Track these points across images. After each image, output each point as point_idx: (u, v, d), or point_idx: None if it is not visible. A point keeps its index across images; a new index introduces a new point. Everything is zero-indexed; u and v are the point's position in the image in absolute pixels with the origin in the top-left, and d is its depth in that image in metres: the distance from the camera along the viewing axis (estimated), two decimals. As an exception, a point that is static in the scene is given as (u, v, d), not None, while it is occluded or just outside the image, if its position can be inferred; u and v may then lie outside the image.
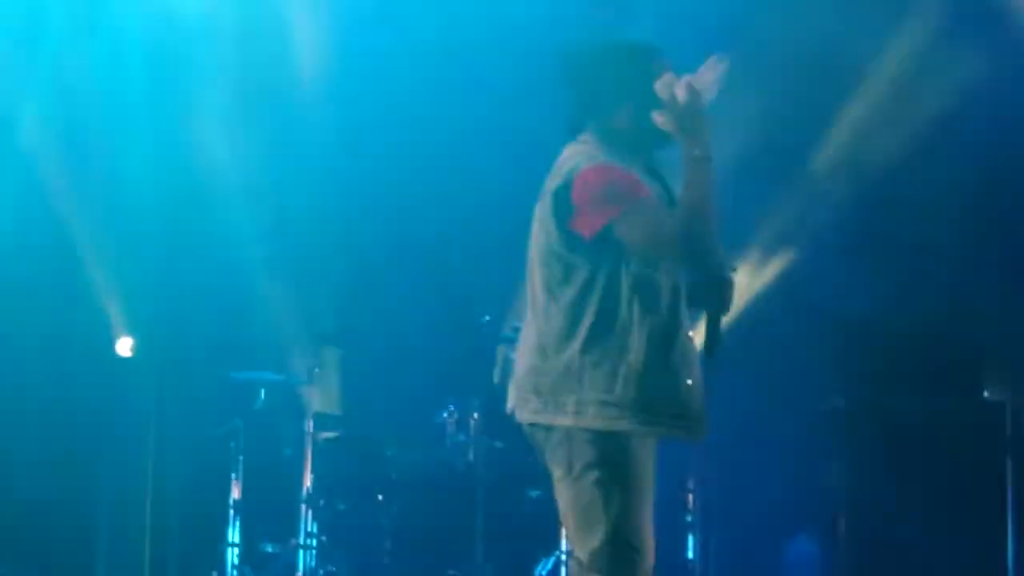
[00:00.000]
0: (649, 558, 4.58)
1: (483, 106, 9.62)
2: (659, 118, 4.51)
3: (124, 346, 9.21)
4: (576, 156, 4.60)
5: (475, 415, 8.59)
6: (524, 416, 4.66)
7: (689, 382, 4.58)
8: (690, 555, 8.82)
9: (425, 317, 10.27)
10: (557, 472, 4.64)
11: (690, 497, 8.84)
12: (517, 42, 9.30)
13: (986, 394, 8.85)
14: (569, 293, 4.55)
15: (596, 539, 4.53)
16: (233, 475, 8.98)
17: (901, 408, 8.85)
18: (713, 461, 9.15)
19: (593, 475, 4.53)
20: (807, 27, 9.39)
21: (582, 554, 4.58)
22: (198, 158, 9.89)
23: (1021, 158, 9.51)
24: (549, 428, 4.62)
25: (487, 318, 8.80)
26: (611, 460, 4.53)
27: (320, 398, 9.25)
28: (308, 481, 8.79)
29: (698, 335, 4.73)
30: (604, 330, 4.51)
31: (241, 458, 8.99)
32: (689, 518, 8.83)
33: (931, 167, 9.95)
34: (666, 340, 4.55)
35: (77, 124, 9.76)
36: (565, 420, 4.54)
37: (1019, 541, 8.67)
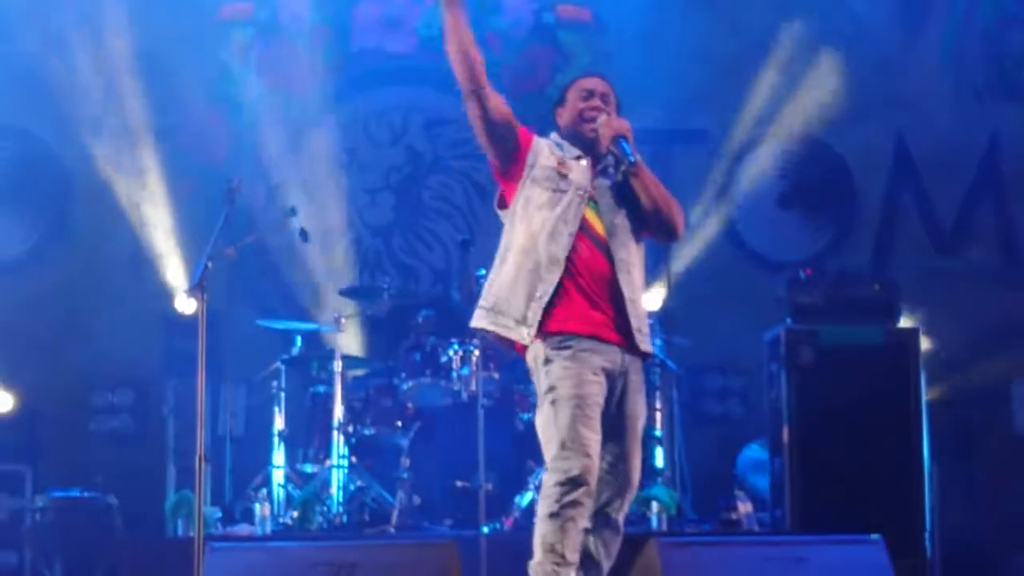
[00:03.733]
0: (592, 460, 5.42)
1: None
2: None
3: (181, 303, 9.93)
4: None
5: (475, 353, 9.02)
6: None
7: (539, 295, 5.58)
8: (658, 464, 9.62)
9: (430, 273, 11.33)
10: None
11: (658, 415, 9.65)
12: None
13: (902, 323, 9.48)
14: None
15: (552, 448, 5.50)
16: (276, 408, 9.65)
17: (833, 335, 9.29)
18: (680, 384, 10.17)
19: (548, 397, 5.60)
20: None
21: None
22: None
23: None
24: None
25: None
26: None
27: (346, 343, 9.83)
28: (339, 412, 9.30)
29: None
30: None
31: (282, 394, 9.66)
32: (658, 433, 9.66)
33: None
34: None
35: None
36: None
37: (931, 440, 9.31)
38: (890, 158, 11.60)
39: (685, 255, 11.08)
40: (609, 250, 5.75)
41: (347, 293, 10.11)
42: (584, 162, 5.86)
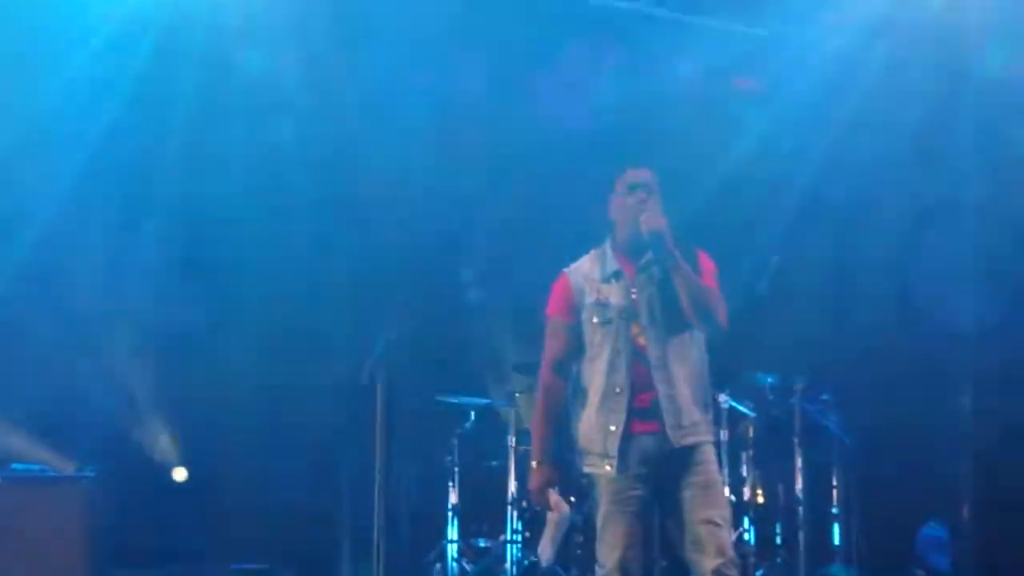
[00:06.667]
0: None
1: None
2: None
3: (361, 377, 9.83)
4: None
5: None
6: None
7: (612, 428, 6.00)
8: (836, 541, 9.57)
9: None
10: None
11: (834, 492, 9.63)
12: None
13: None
14: None
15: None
16: (451, 483, 9.75)
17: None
18: (854, 461, 9.95)
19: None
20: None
21: None
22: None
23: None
24: None
25: None
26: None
27: (520, 418, 9.77)
28: (512, 487, 9.40)
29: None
30: None
31: (457, 469, 9.76)
32: (834, 509, 9.62)
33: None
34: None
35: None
36: None
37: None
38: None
39: (862, 330, 10.86)
40: (645, 351, 6.12)
41: (521, 368, 10.08)
42: (621, 281, 6.23)
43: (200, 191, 10.53)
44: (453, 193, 11.13)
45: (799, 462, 9.31)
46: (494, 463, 9.80)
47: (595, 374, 6.14)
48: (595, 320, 6.18)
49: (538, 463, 6.24)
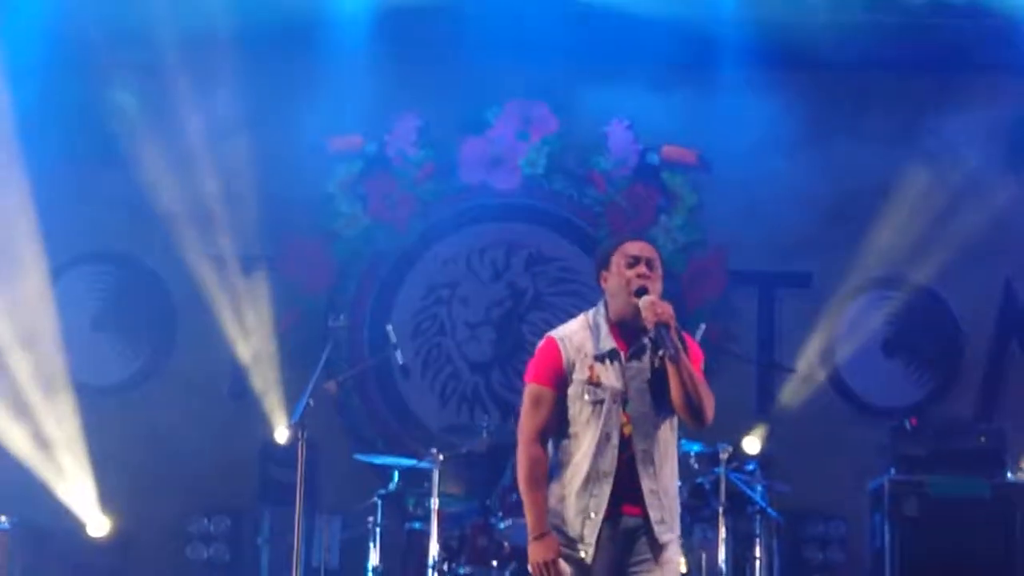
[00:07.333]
0: None
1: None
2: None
3: (281, 436, 9.93)
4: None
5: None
6: None
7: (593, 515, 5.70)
8: None
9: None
10: None
11: (757, 564, 9.54)
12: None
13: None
14: None
15: None
16: (371, 544, 9.58)
17: (939, 486, 9.34)
18: (780, 532, 9.98)
19: None
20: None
21: None
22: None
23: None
24: None
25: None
26: None
27: (444, 480, 9.49)
28: (434, 550, 9.15)
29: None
30: None
31: (378, 530, 9.59)
32: None
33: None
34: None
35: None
36: None
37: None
38: (997, 306, 11.46)
39: (788, 399, 11.00)
40: (631, 443, 5.79)
41: (446, 430, 10.18)
42: (616, 363, 5.84)
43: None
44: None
45: (723, 532, 9.27)
46: (417, 525, 9.67)
47: (579, 455, 5.79)
48: (585, 398, 5.82)
49: (541, 535, 5.79)
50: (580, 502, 5.76)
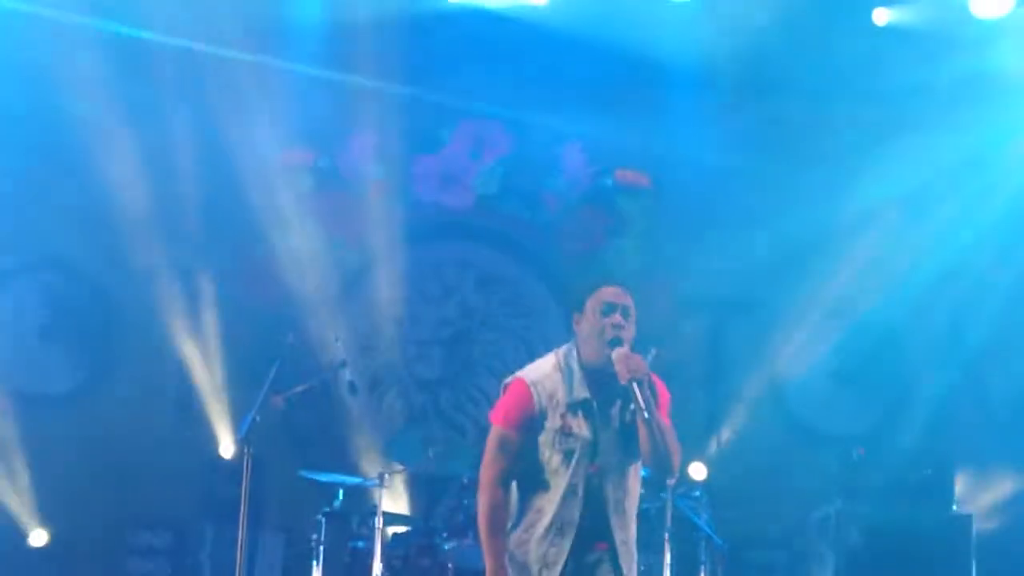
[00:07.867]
0: None
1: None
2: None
3: (226, 451, 10.04)
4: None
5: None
6: None
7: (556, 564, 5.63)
8: None
9: (476, 431, 11.14)
10: None
11: None
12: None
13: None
14: None
15: None
16: (314, 561, 9.49)
17: (884, 517, 9.39)
18: (725, 559, 9.81)
19: None
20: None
21: None
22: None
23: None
24: None
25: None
26: None
27: (389, 499, 9.69)
28: (377, 569, 9.17)
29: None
30: None
31: (321, 548, 9.51)
32: None
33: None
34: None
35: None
36: None
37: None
38: (945, 335, 11.48)
39: (734, 426, 11.01)
40: (603, 491, 5.75)
41: (393, 449, 10.08)
42: (588, 412, 5.77)
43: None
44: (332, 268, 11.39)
45: (668, 558, 9.26)
46: (360, 544, 9.60)
47: (546, 502, 5.71)
48: (556, 447, 5.72)
49: None
50: (540, 549, 5.71)
